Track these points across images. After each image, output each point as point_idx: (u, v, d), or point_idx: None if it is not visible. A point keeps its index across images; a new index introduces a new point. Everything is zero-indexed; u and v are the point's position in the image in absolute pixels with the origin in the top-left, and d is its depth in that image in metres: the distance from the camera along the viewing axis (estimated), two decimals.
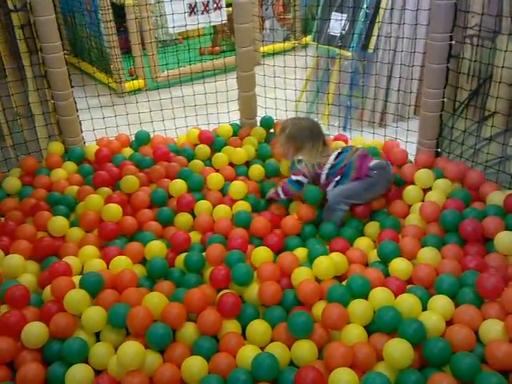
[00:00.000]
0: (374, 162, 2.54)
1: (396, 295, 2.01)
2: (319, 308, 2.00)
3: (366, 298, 2.02)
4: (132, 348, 1.82)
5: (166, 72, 4.73)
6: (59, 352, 1.91)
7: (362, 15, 3.66)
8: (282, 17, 5.92)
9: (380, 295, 2.00)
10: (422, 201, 2.54)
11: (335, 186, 2.56)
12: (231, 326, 2.00)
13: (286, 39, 5.74)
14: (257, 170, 2.93)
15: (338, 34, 3.78)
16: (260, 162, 3.03)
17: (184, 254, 2.33)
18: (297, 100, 4.08)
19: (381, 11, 3.60)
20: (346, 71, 3.64)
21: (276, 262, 2.24)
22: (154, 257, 2.30)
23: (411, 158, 2.91)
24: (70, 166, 3.00)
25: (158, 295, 2.06)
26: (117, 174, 2.87)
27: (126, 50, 4.99)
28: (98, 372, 1.88)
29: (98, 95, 3.37)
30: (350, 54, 3.69)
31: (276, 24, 5.85)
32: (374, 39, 3.62)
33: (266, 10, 5.81)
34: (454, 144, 2.79)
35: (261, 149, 3.10)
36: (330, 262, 2.18)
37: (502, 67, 2.44)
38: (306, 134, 2.63)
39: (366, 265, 2.30)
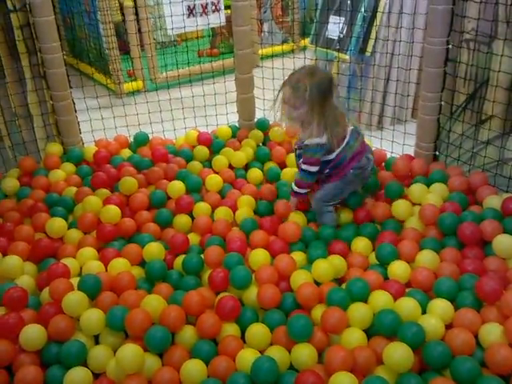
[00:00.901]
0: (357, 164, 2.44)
1: (395, 298, 2.01)
2: (319, 311, 1.99)
3: (365, 301, 2.01)
4: (131, 351, 1.81)
5: (164, 73, 4.72)
6: (58, 355, 1.89)
7: (360, 19, 3.67)
8: (280, 20, 5.94)
9: (379, 298, 1.99)
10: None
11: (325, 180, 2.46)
12: (230, 329, 1.99)
13: (284, 42, 5.75)
14: (255, 173, 2.93)
15: (336, 37, 3.80)
16: (258, 164, 3.04)
17: (182, 256, 2.32)
18: None
19: (378, 15, 3.62)
20: (344, 74, 3.65)
21: (273, 264, 2.23)
22: (152, 259, 2.29)
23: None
24: (69, 167, 2.99)
25: (156, 298, 2.05)
26: (115, 175, 2.86)
27: (125, 51, 4.98)
28: (96, 375, 1.87)
29: (97, 96, 3.36)
30: (347, 57, 3.70)
31: (274, 27, 5.86)
32: (371, 42, 3.63)
33: (265, 12, 5.82)
34: (451, 147, 2.79)
35: (259, 151, 3.10)
36: (328, 265, 2.18)
37: (499, 71, 2.44)
38: (328, 94, 2.27)
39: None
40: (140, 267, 2.33)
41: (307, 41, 4.62)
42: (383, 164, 2.93)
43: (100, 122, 3.30)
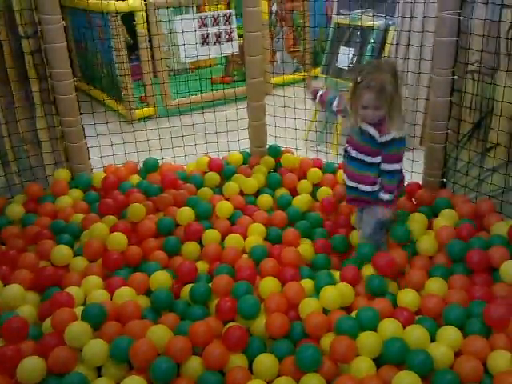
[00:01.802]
0: None
1: (404, 326, 1.98)
2: (327, 340, 1.96)
3: (374, 329, 1.98)
4: (135, 383, 1.75)
5: (177, 100, 4.72)
6: None
7: (369, 50, 3.82)
8: (292, 50, 6.05)
9: (389, 327, 1.98)
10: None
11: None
12: (238, 360, 1.95)
13: (296, 71, 5.78)
14: (266, 199, 2.89)
15: (346, 67, 3.96)
16: (269, 191, 2.99)
17: (190, 285, 2.26)
18: (306, 129, 4.13)
19: (387, 46, 3.78)
20: None
21: (282, 292, 2.17)
22: (158, 288, 2.22)
23: None
24: (76, 193, 2.96)
25: (162, 328, 2.00)
26: (123, 201, 2.80)
27: (138, 78, 5.01)
28: None
29: (107, 122, 3.34)
30: None
31: (286, 56, 5.95)
32: None
33: (277, 42, 5.88)
34: (458, 174, 2.83)
35: (270, 178, 3.06)
36: (336, 292, 2.14)
37: (502, 101, 2.50)
38: (400, 80, 2.25)
39: None
40: (146, 296, 2.27)
41: (318, 70, 4.70)
42: None
43: (110, 148, 3.27)
